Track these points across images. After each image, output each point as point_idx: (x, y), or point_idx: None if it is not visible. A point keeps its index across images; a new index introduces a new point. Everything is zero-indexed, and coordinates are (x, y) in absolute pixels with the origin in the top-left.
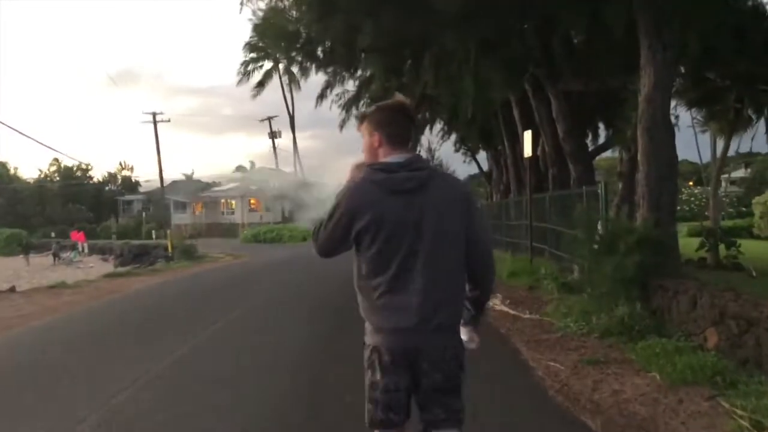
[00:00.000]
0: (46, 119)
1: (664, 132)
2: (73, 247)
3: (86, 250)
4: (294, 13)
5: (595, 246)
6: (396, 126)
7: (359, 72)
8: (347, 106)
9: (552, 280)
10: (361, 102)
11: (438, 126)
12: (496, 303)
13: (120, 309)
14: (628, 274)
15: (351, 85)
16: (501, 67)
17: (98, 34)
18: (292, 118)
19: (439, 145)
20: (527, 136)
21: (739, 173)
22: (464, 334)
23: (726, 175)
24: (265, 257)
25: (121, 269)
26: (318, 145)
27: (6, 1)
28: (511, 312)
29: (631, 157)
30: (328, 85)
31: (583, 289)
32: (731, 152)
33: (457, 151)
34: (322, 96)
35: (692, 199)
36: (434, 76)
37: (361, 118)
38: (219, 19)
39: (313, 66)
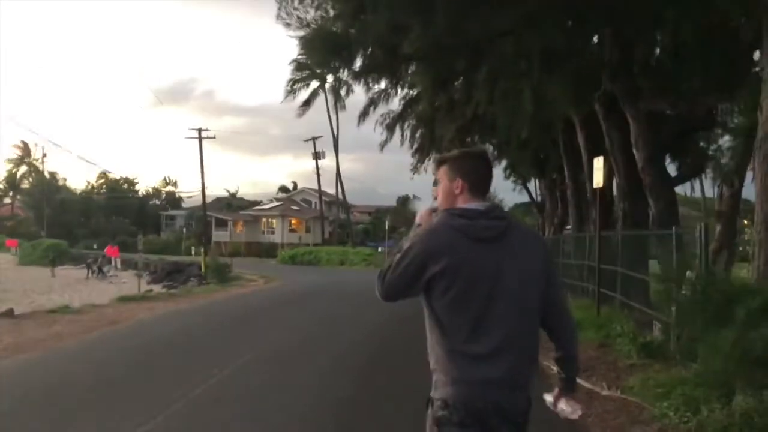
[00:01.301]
0: (96, 133)
1: None
2: (108, 262)
3: (119, 266)
4: (330, 10)
5: (685, 302)
6: (479, 174)
7: (404, 90)
8: (391, 126)
9: (629, 341)
10: (406, 123)
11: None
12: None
13: (100, 354)
14: (752, 352)
15: (395, 104)
16: (568, 82)
17: (149, 51)
18: (336, 139)
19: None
20: (598, 163)
21: None
22: (563, 404)
23: None
24: (298, 282)
25: (152, 287)
26: (361, 167)
27: (62, 19)
28: (584, 384)
29: (733, 193)
30: (372, 103)
31: (667, 354)
32: None
33: (506, 178)
34: (364, 114)
35: None
36: (489, 92)
37: (440, 162)
38: (269, 38)
39: (352, 77)
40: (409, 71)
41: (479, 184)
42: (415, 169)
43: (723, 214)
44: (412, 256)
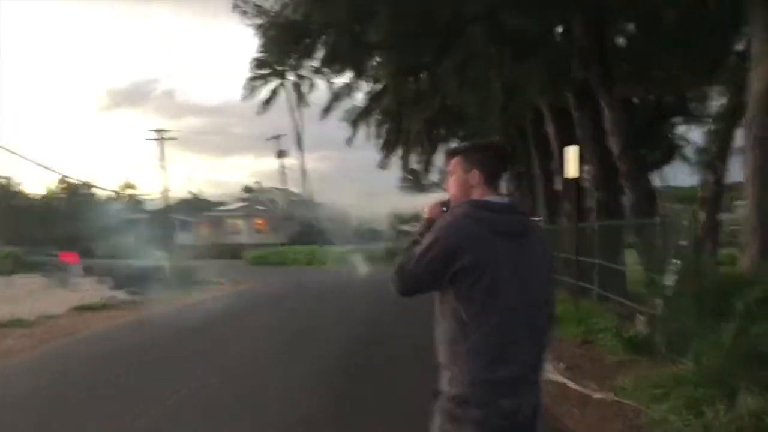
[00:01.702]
0: (53, 136)
1: None
2: (69, 268)
3: (80, 272)
4: None
5: (676, 294)
6: (495, 166)
7: (368, 84)
8: (356, 122)
9: (613, 336)
10: (371, 118)
11: (453, 144)
12: (547, 368)
13: (45, 374)
14: (758, 348)
15: (359, 100)
16: (540, 70)
17: (109, 51)
18: (299, 137)
19: None
20: (572, 153)
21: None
22: None
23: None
24: (266, 285)
25: (114, 293)
26: (327, 166)
27: (19, 20)
28: (573, 386)
29: (716, 179)
30: (335, 98)
31: (653, 349)
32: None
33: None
34: (328, 109)
35: None
36: (459, 82)
37: (453, 153)
38: (228, 36)
39: (314, 70)
40: (374, 62)
41: (496, 176)
42: (382, 165)
43: (707, 201)
44: (438, 250)
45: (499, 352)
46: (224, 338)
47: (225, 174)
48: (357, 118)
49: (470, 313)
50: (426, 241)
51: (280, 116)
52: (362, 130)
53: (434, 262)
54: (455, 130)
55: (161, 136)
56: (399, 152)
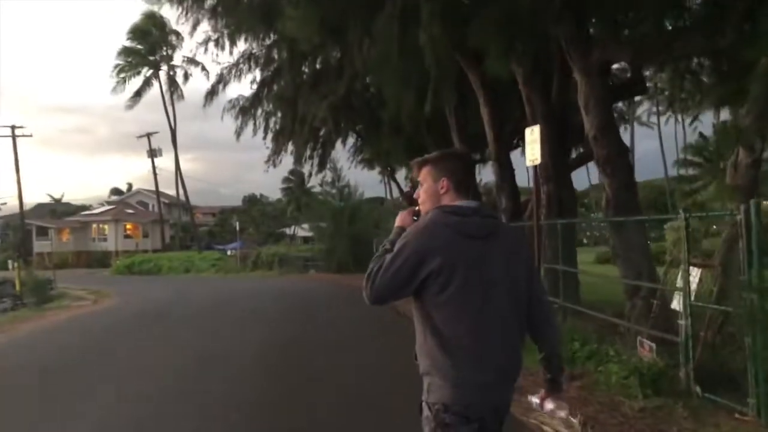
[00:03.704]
0: None
1: None
2: None
3: None
4: None
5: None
6: (463, 173)
7: (259, 69)
8: (246, 110)
9: (627, 371)
10: (259, 110)
11: (351, 140)
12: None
13: None
14: None
15: (246, 89)
16: (496, 28)
17: None
18: (173, 132)
19: (353, 164)
20: (533, 134)
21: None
22: (551, 404)
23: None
24: (137, 299)
25: None
26: (201, 167)
27: None
28: None
29: (754, 160)
30: (221, 80)
31: (676, 386)
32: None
33: (371, 169)
34: (212, 93)
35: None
36: (397, 46)
37: (422, 163)
38: (94, 34)
39: (187, 58)
40: (286, 20)
41: (464, 182)
42: (271, 161)
43: (740, 190)
44: (407, 255)
45: (473, 355)
46: (70, 395)
47: (92, 176)
48: (246, 105)
49: (443, 316)
50: (396, 247)
51: (150, 115)
52: (249, 126)
53: (404, 268)
54: (354, 122)
55: (14, 133)
56: (290, 148)
